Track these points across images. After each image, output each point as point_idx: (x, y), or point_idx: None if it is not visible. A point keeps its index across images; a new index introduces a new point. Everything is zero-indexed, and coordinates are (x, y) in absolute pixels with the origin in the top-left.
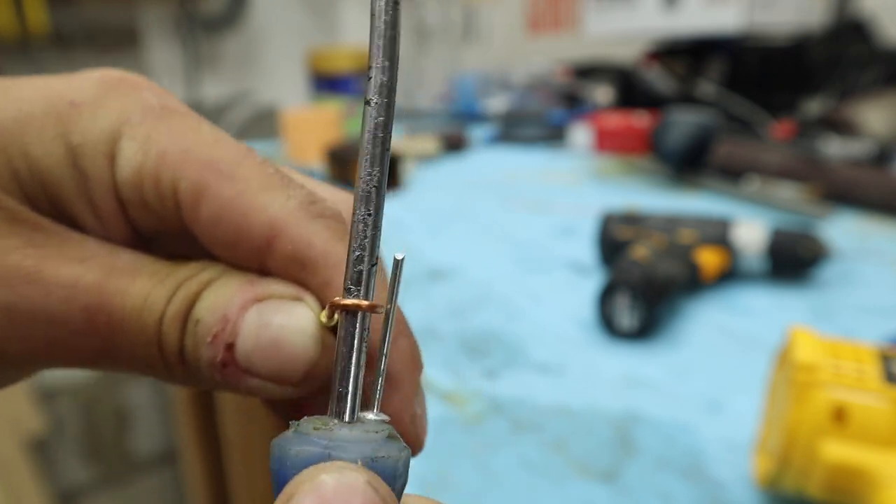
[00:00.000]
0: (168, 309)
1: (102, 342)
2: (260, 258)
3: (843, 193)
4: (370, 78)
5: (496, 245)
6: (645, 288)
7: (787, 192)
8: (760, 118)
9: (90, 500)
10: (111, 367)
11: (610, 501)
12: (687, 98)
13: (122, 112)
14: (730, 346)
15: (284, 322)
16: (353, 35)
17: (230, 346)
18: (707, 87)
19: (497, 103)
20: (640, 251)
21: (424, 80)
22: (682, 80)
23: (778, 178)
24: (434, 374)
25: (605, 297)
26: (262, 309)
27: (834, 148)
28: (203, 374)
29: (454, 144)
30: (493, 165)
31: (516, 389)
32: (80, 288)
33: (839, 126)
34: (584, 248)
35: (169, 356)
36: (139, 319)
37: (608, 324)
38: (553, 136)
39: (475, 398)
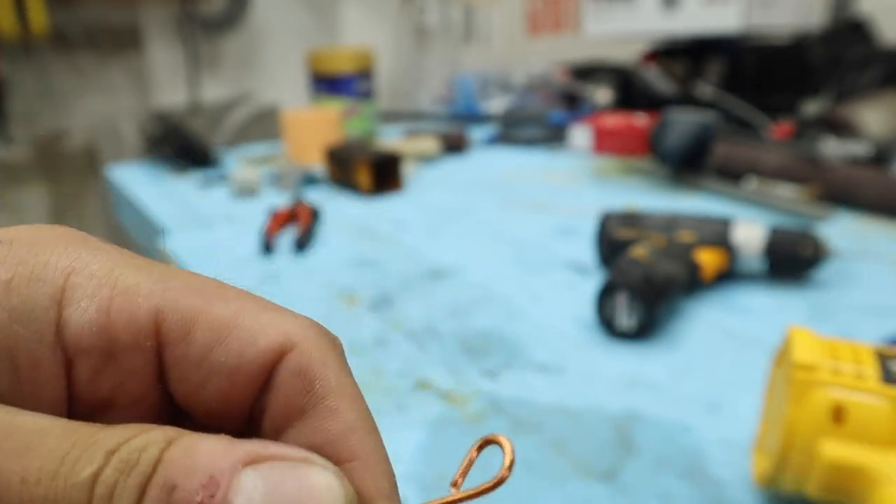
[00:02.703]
0: (106, 471)
1: None
2: (260, 383)
3: (842, 194)
4: None
5: (496, 245)
6: (644, 288)
7: (786, 192)
8: (759, 119)
9: None
10: None
11: (609, 501)
12: (686, 99)
13: (68, 247)
14: (729, 346)
15: (305, 485)
16: (353, 36)
17: None
18: (706, 88)
19: (497, 104)
20: (640, 251)
21: (425, 81)
22: (681, 81)
23: (777, 178)
24: (434, 374)
25: (605, 297)
26: (263, 471)
27: (832, 148)
28: None
29: (454, 145)
30: (493, 166)
31: (516, 389)
32: None
33: (838, 127)
34: (584, 249)
35: None
36: (51, 484)
37: (608, 324)
38: (553, 136)
39: (475, 398)
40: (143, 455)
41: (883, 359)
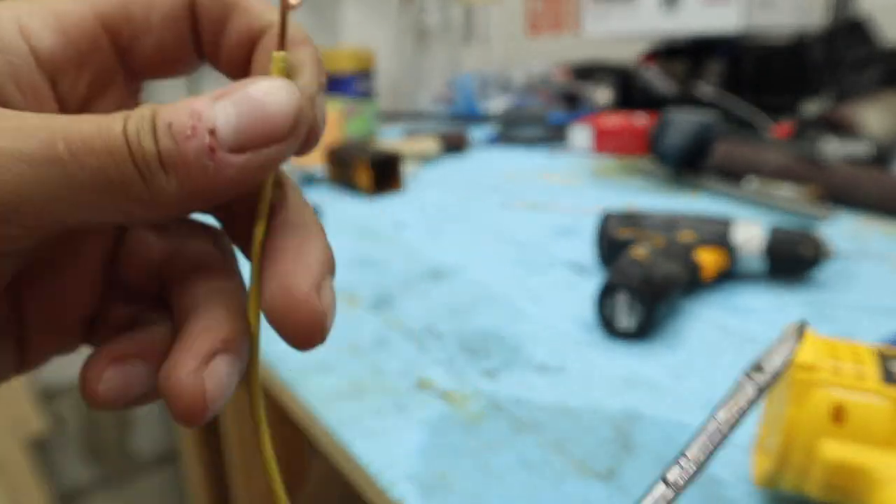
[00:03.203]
0: (129, 124)
1: (63, 171)
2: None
3: (842, 194)
4: (680, 464)
5: (496, 245)
6: (644, 288)
7: (787, 192)
8: (759, 119)
9: (91, 501)
10: (79, 212)
11: (609, 500)
12: (686, 99)
13: (9, 5)
14: (729, 346)
15: (259, 87)
16: (353, 36)
17: (213, 131)
18: (706, 88)
19: (497, 104)
20: (640, 251)
21: (425, 81)
22: (681, 81)
23: (777, 178)
24: (434, 373)
25: (605, 297)
26: (229, 97)
27: (833, 148)
28: (192, 169)
29: (454, 145)
30: (493, 166)
31: (516, 389)
32: (27, 128)
33: (838, 127)
34: (584, 248)
35: (146, 165)
36: (100, 136)
37: (607, 324)
38: (553, 136)
39: (475, 398)
40: (145, 115)
41: (883, 359)
